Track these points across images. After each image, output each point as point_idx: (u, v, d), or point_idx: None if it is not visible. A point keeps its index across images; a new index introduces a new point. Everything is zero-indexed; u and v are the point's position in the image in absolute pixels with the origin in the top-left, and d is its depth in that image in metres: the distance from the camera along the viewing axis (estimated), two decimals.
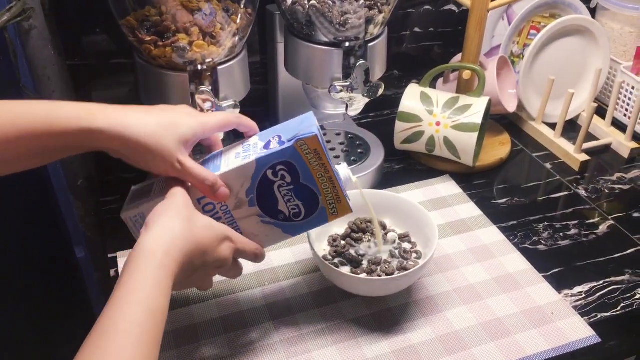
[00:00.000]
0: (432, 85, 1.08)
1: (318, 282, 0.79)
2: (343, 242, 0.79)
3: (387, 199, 0.82)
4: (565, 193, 0.98)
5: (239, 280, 0.78)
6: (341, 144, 1.03)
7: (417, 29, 1.15)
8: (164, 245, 0.53)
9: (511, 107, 1.08)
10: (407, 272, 0.70)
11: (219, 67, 0.78)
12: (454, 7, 1.14)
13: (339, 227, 0.82)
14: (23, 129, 0.54)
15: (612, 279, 0.80)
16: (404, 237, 0.80)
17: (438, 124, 0.96)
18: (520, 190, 0.98)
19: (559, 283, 0.79)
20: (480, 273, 0.80)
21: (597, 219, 0.91)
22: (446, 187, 0.97)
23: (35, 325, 1.09)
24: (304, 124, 0.63)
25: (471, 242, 0.86)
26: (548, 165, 1.05)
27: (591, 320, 0.74)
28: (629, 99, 1.12)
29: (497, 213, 0.92)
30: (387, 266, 0.74)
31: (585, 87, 1.14)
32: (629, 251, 0.85)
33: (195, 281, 0.61)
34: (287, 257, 0.82)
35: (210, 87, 0.78)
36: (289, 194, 0.63)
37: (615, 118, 1.13)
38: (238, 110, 0.80)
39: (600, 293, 0.78)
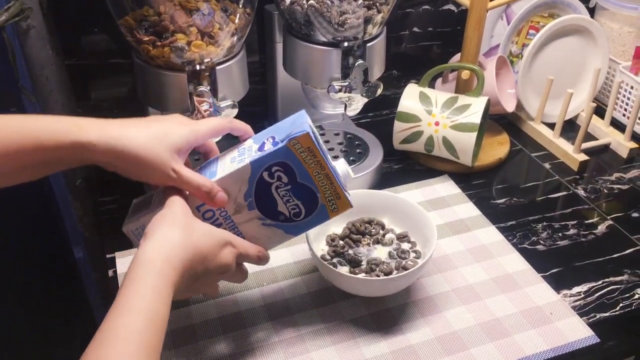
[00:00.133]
0: (431, 85, 1.08)
1: (316, 282, 0.79)
2: (341, 242, 0.79)
3: (386, 199, 0.82)
4: (564, 193, 0.98)
5: None
6: (340, 143, 1.03)
7: (416, 29, 1.15)
8: (163, 254, 0.53)
9: (510, 107, 1.08)
10: (406, 272, 0.70)
11: (218, 67, 0.78)
12: (452, 7, 1.14)
13: (337, 227, 0.82)
14: (17, 143, 0.55)
15: (611, 279, 0.80)
16: (402, 237, 0.80)
17: (437, 123, 0.95)
18: (519, 190, 0.98)
19: (558, 283, 0.79)
20: (479, 273, 0.80)
21: (596, 219, 0.91)
22: (445, 187, 0.97)
23: (35, 325, 1.09)
24: (296, 123, 0.62)
25: (470, 242, 0.86)
26: (547, 165, 1.04)
27: (590, 320, 0.74)
28: (628, 98, 1.12)
29: (495, 213, 0.92)
30: (385, 266, 0.74)
31: (584, 87, 1.14)
32: (627, 251, 0.85)
33: (200, 288, 0.62)
34: (285, 257, 0.82)
35: (208, 87, 0.78)
36: (287, 194, 0.63)
37: (614, 118, 1.13)
38: (236, 110, 0.80)
39: (599, 293, 0.78)
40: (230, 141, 0.69)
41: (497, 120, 1.14)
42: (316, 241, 0.78)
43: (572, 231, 0.89)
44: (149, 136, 0.58)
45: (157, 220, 0.57)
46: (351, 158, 0.98)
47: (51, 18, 0.87)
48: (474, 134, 0.93)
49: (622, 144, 1.07)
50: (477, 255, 0.83)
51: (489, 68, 1.04)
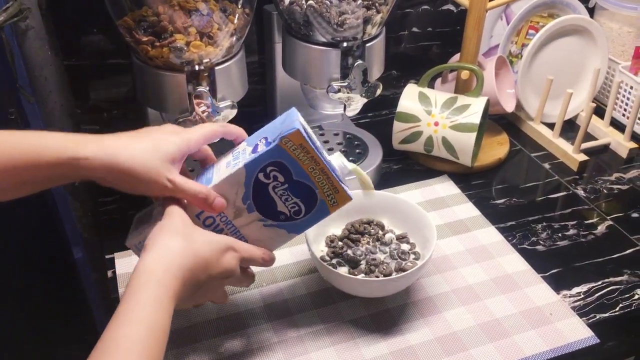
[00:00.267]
0: (431, 85, 1.08)
1: (316, 283, 0.79)
2: (340, 243, 0.79)
3: (385, 199, 0.82)
4: (564, 193, 0.98)
5: None
6: (339, 144, 1.03)
7: (415, 29, 1.15)
8: (163, 264, 0.53)
9: (509, 107, 1.08)
10: (405, 273, 0.70)
11: (217, 68, 0.78)
12: (452, 7, 1.14)
13: (336, 227, 0.82)
14: (16, 160, 0.55)
15: (611, 279, 0.80)
16: (402, 238, 0.80)
17: (436, 124, 0.95)
18: (519, 191, 0.98)
19: (558, 283, 0.79)
20: (478, 274, 0.80)
21: (595, 219, 0.91)
22: (444, 188, 0.97)
23: (34, 325, 1.09)
24: (287, 121, 0.62)
25: (469, 242, 0.86)
26: (546, 166, 1.04)
27: (590, 320, 0.74)
28: (628, 98, 1.12)
29: (495, 213, 0.92)
30: (385, 267, 0.74)
31: (583, 87, 1.14)
32: (627, 251, 0.85)
33: (206, 295, 0.61)
34: (285, 258, 0.82)
35: (207, 88, 0.77)
36: (285, 193, 0.62)
37: (614, 118, 1.13)
38: (236, 110, 0.80)
39: (599, 293, 0.78)
40: (226, 144, 0.69)
41: (496, 121, 1.14)
42: (315, 242, 0.78)
43: (571, 231, 0.89)
44: (142, 149, 0.58)
45: (156, 231, 0.57)
46: (350, 158, 0.98)
47: (50, 18, 0.87)
48: (474, 134, 0.93)
49: (621, 144, 1.07)
50: (477, 256, 0.83)
51: (489, 68, 1.04)
